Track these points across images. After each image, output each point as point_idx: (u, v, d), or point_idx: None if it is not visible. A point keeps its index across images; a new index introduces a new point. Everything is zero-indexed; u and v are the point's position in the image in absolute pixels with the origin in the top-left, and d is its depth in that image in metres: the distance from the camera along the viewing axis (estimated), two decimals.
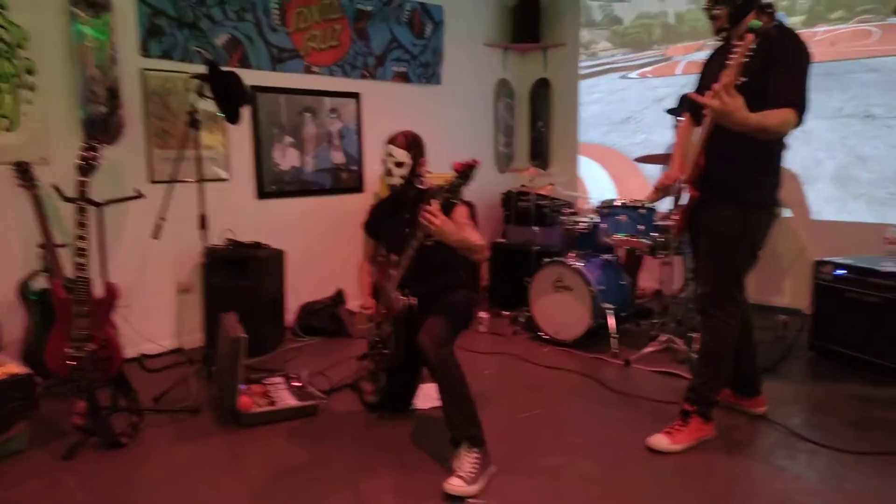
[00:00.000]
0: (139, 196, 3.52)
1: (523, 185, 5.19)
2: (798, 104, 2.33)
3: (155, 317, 4.07)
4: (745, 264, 2.65)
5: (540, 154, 6.20)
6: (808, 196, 4.61)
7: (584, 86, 5.94)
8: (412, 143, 2.81)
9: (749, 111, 2.23)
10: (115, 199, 3.39)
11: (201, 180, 3.63)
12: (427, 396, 3.16)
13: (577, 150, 6.01)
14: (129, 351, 3.68)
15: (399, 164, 2.77)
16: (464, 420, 2.46)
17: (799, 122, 2.35)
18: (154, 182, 3.96)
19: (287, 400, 3.13)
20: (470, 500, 2.29)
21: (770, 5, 2.48)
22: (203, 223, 3.62)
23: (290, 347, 4.17)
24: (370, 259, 3.13)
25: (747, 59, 2.22)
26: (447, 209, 2.46)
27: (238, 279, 3.92)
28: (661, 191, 2.89)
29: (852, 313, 3.49)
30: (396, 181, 2.80)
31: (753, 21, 2.27)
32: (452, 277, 2.89)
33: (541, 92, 6.19)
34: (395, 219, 2.89)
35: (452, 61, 5.65)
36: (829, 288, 3.63)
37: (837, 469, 2.46)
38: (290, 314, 4.47)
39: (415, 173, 2.81)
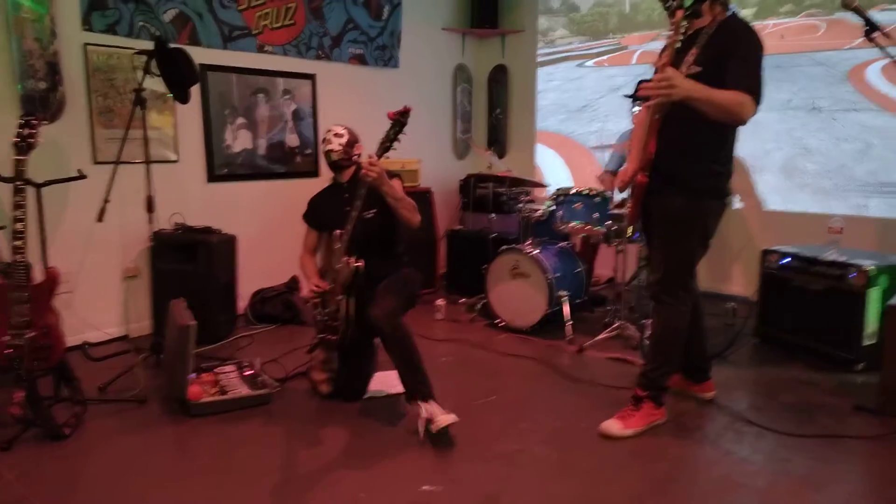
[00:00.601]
0: (81, 177, 3.36)
1: (482, 173, 5.18)
2: (755, 91, 2.36)
3: (99, 303, 3.92)
4: (696, 252, 2.69)
5: (497, 141, 6.20)
6: (757, 186, 4.73)
7: (542, 73, 5.95)
8: (349, 128, 3.07)
9: None
10: (55, 179, 3.22)
11: (148, 161, 3.49)
12: (382, 383, 3.14)
13: (535, 138, 6.03)
14: (72, 339, 3.52)
15: (338, 135, 3.01)
16: (417, 382, 2.70)
17: (755, 109, 2.38)
18: (98, 163, 3.79)
19: (239, 389, 3.06)
20: (424, 488, 2.28)
21: None
22: (150, 206, 3.49)
23: (242, 335, 4.07)
24: (310, 251, 3.22)
25: (699, 42, 2.26)
26: (384, 150, 2.73)
27: (188, 264, 3.81)
28: (624, 185, 2.91)
29: (797, 301, 3.60)
30: (336, 147, 3.00)
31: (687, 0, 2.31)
32: (395, 255, 3.08)
33: (499, 78, 6.18)
34: (334, 200, 3.06)
35: (410, 45, 5.57)
36: (775, 276, 3.74)
37: (782, 452, 2.54)
38: (243, 301, 4.37)
39: (352, 148, 3.04)
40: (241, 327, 4.22)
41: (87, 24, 3.76)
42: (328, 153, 3.03)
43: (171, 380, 3.04)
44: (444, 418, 2.59)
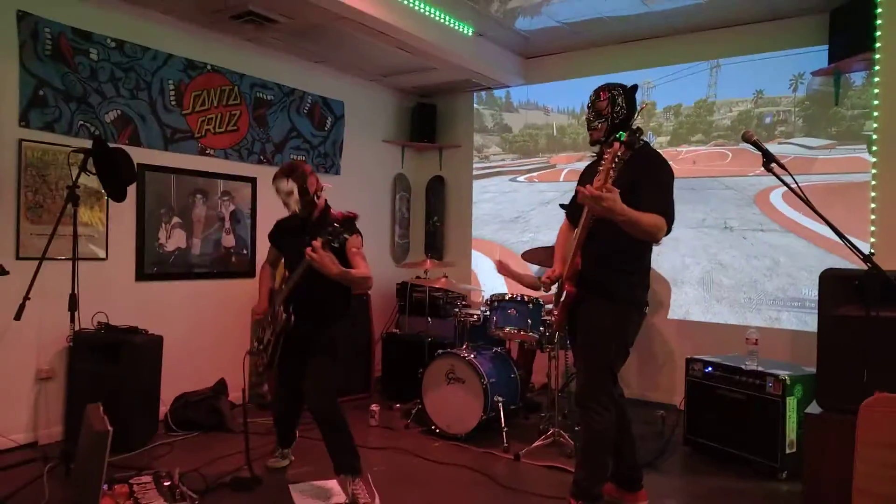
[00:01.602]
0: (2, 272, 3.22)
1: (418, 277, 5.26)
2: (668, 214, 2.60)
3: (7, 407, 3.63)
4: (617, 359, 2.81)
5: (435, 247, 6.35)
6: (678, 298, 4.99)
7: (477, 185, 6.24)
8: (290, 169, 3.08)
9: None
10: None
11: (76, 258, 3.39)
12: (309, 495, 3.01)
13: (471, 245, 6.22)
14: None
15: (289, 193, 3.03)
16: (348, 453, 2.99)
17: (668, 229, 2.61)
18: (21, 258, 3.65)
19: (155, 502, 2.84)
20: None
21: (640, 129, 2.81)
22: (73, 304, 3.35)
23: (162, 443, 3.83)
24: (271, 263, 3.42)
25: (617, 168, 2.48)
26: (328, 246, 2.82)
27: (109, 366, 3.62)
28: (548, 284, 3.08)
29: (721, 409, 3.73)
30: (295, 208, 3.06)
31: (620, 133, 2.55)
32: (333, 305, 3.12)
33: (436, 188, 6.43)
34: (295, 233, 3.12)
35: (352, 154, 5.77)
36: (700, 384, 3.87)
37: None
38: (164, 406, 4.14)
39: (306, 193, 3.04)
40: (161, 434, 3.98)
41: (25, 121, 3.74)
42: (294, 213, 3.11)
43: (81, 492, 2.79)
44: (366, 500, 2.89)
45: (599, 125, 2.81)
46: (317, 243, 2.80)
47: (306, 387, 3.01)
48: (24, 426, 3.72)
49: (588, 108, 2.88)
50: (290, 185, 3.04)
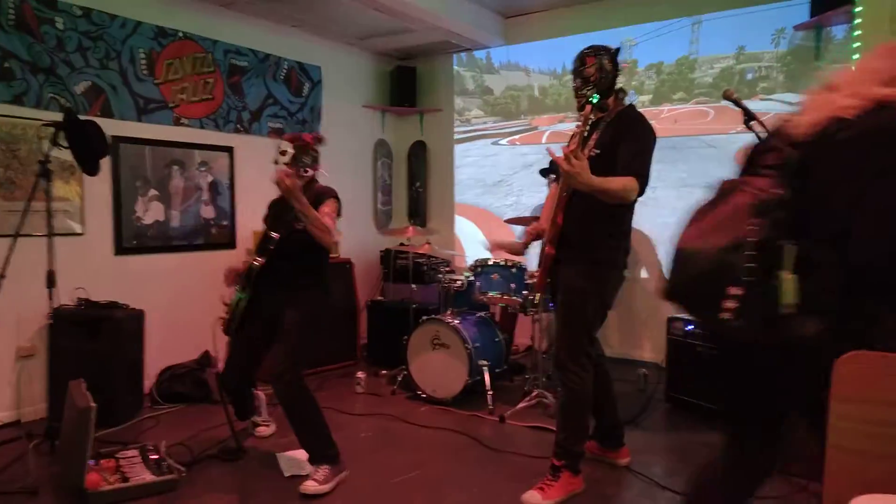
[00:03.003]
0: None
1: (402, 244, 5.24)
2: (641, 174, 2.60)
3: None
4: (595, 320, 2.82)
5: (418, 213, 6.32)
6: (660, 257, 5.02)
7: (459, 149, 6.19)
8: (296, 137, 3.08)
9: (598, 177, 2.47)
10: None
11: (51, 234, 3.33)
12: (297, 464, 3.04)
13: (454, 210, 6.20)
14: None
15: (283, 153, 3.00)
16: (318, 443, 2.87)
17: (641, 190, 2.60)
18: None
19: (142, 475, 2.86)
20: None
21: (623, 90, 2.79)
22: (51, 281, 3.31)
23: (147, 416, 3.84)
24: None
25: (594, 130, 2.46)
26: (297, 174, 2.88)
27: (90, 342, 3.60)
28: (531, 237, 3.10)
29: (701, 366, 3.78)
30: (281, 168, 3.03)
31: (593, 95, 2.54)
32: (304, 275, 3.05)
33: (418, 153, 6.37)
34: (283, 205, 3.02)
35: (331, 120, 5.68)
36: (681, 342, 3.92)
37: None
38: (150, 380, 4.14)
39: (296, 163, 2.99)
40: (147, 407, 3.99)
41: None
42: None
43: (68, 468, 2.81)
44: (314, 486, 2.76)
45: (588, 92, 2.76)
46: (288, 170, 2.85)
47: (269, 369, 2.89)
48: (7, 404, 3.71)
49: (574, 74, 2.82)
50: (289, 147, 3.02)
